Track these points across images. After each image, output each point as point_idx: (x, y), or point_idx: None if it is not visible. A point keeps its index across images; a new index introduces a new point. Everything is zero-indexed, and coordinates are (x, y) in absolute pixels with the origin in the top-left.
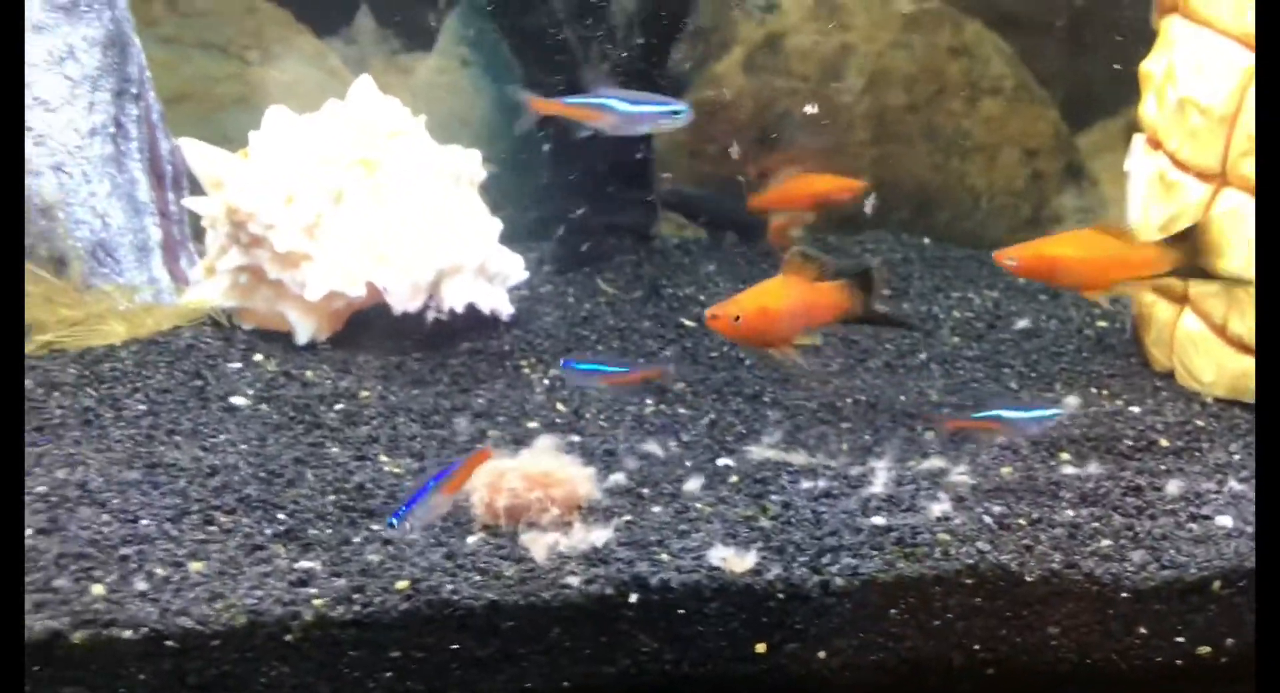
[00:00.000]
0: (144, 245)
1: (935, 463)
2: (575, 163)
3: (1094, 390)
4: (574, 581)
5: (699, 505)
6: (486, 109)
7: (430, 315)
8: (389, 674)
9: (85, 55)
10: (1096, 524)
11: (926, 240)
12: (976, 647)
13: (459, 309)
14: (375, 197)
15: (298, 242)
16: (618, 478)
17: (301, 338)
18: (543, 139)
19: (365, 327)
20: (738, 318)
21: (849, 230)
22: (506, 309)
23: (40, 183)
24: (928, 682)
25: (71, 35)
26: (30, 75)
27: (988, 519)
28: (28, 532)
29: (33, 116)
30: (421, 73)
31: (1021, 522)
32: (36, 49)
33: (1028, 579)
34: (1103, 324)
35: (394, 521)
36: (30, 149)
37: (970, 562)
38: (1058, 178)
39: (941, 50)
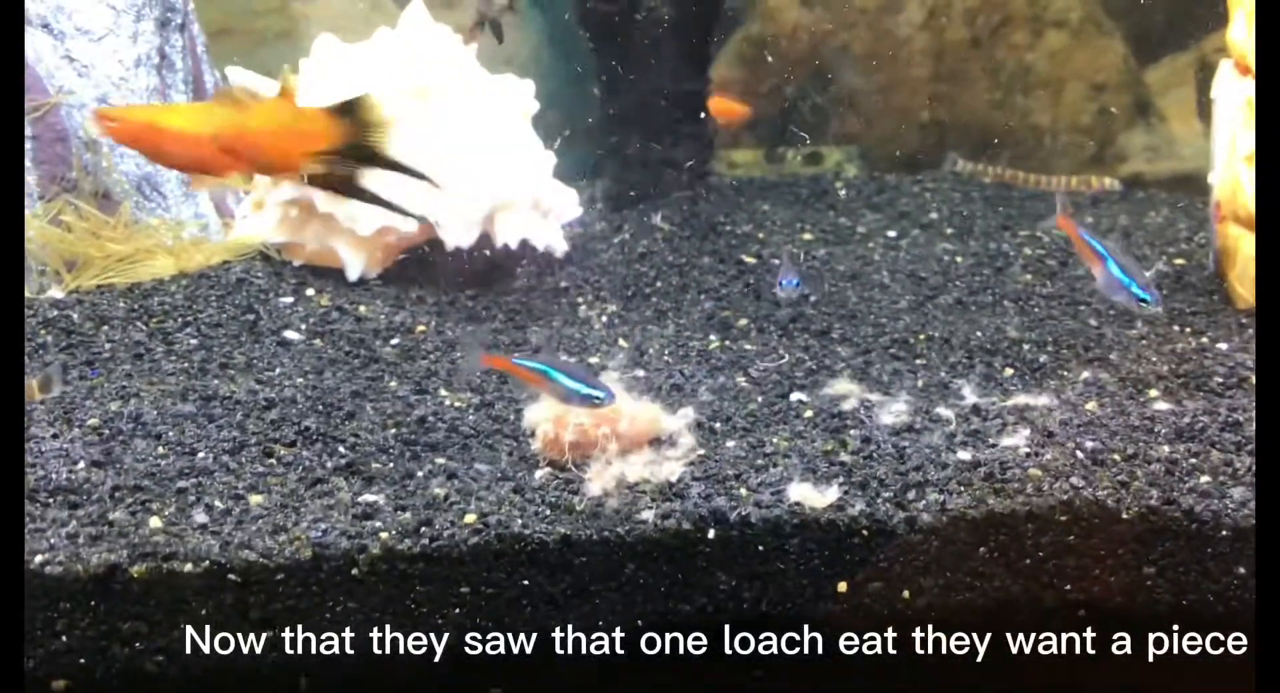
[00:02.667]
0: (190, 180)
1: (1020, 399)
2: (628, 97)
3: (1177, 328)
4: (648, 515)
5: (774, 441)
6: (534, 43)
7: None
8: (458, 611)
9: None
10: (1194, 461)
11: (987, 180)
12: (1068, 587)
13: (512, 245)
14: (428, 126)
15: None
16: (687, 413)
17: (353, 274)
18: (593, 73)
19: (416, 263)
20: (115, 121)
21: (908, 169)
22: (560, 246)
23: (84, 115)
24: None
25: None
26: (74, 5)
27: (1080, 455)
28: (80, 465)
29: (76, 47)
30: (467, 7)
31: (1116, 457)
32: None
33: (1124, 516)
34: (1180, 262)
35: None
36: (74, 80)
37: (1064, 498)
38: (1126, 114)
39: None
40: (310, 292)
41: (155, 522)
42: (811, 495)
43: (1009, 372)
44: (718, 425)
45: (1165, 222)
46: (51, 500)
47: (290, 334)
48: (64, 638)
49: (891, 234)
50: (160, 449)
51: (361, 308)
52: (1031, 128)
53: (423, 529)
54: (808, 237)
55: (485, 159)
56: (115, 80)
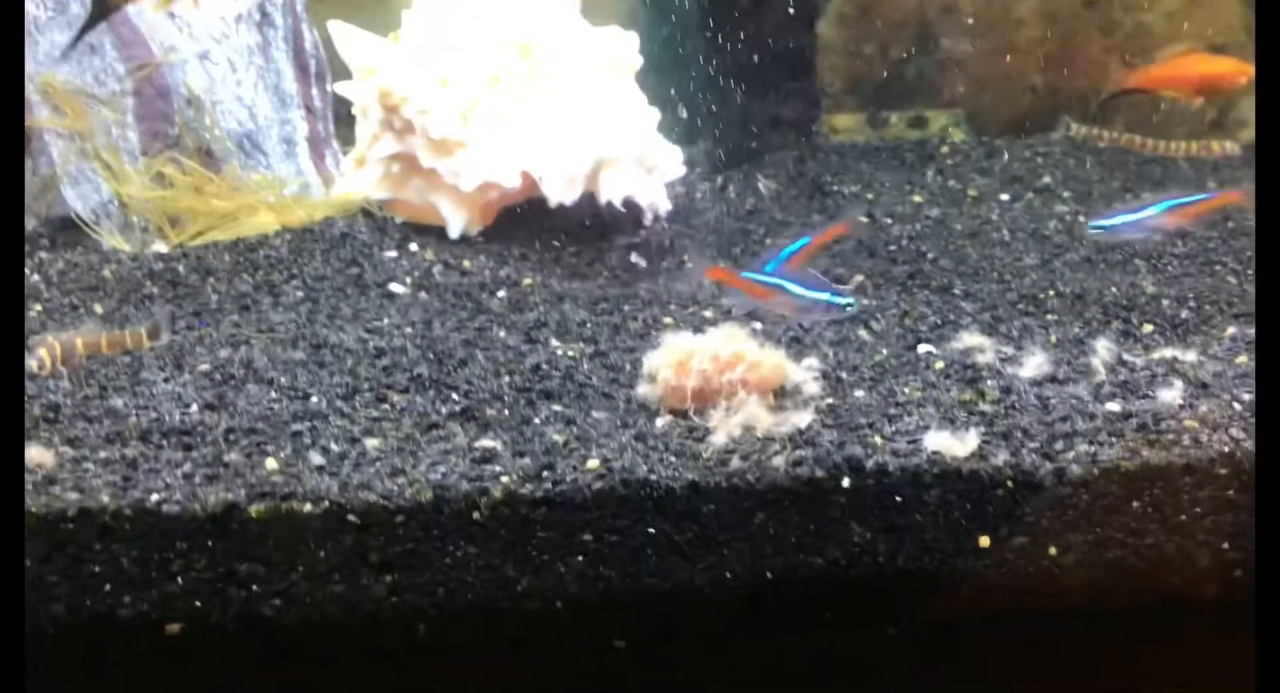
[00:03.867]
0: (290, 138)
1: (1167, 352)
2: (731, 53)
3: None
4: (779, 462)
5: (906, 390)
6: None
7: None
8: (580, 558)
9: None
10: None
11: (1101, 144)
12: (1225, 545)
13: (616, 202)
14: (531, 81)
15: (453, 128)
16: (810, 362)
17: (454, 231)
18: (695, 28)
19: (518, 219)
20: None
21: (1019, 133)
22: (664, 204)
23: (186, 71)
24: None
25: None
26: None
27: (1238, 407)
28: (193, 408)
29: (178, 3)
30: None
31: None
32: None
33: None
34: None
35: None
36: (175, 36)
37: (1225, 450)
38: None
39: None
40: (414, 246)
41: (271, 463)
42: (950, 444)
43: (1148, 328)
44: (844, 375)
45: None
46: (165, 442)
47: (395, 287)
48: (179, 580)
49: (1004, 197)
50: (272, 394)
51: (466, 263)
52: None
53: (544, 474)
54: (917, 199)
55: (589, 114)
56: (217, 36)
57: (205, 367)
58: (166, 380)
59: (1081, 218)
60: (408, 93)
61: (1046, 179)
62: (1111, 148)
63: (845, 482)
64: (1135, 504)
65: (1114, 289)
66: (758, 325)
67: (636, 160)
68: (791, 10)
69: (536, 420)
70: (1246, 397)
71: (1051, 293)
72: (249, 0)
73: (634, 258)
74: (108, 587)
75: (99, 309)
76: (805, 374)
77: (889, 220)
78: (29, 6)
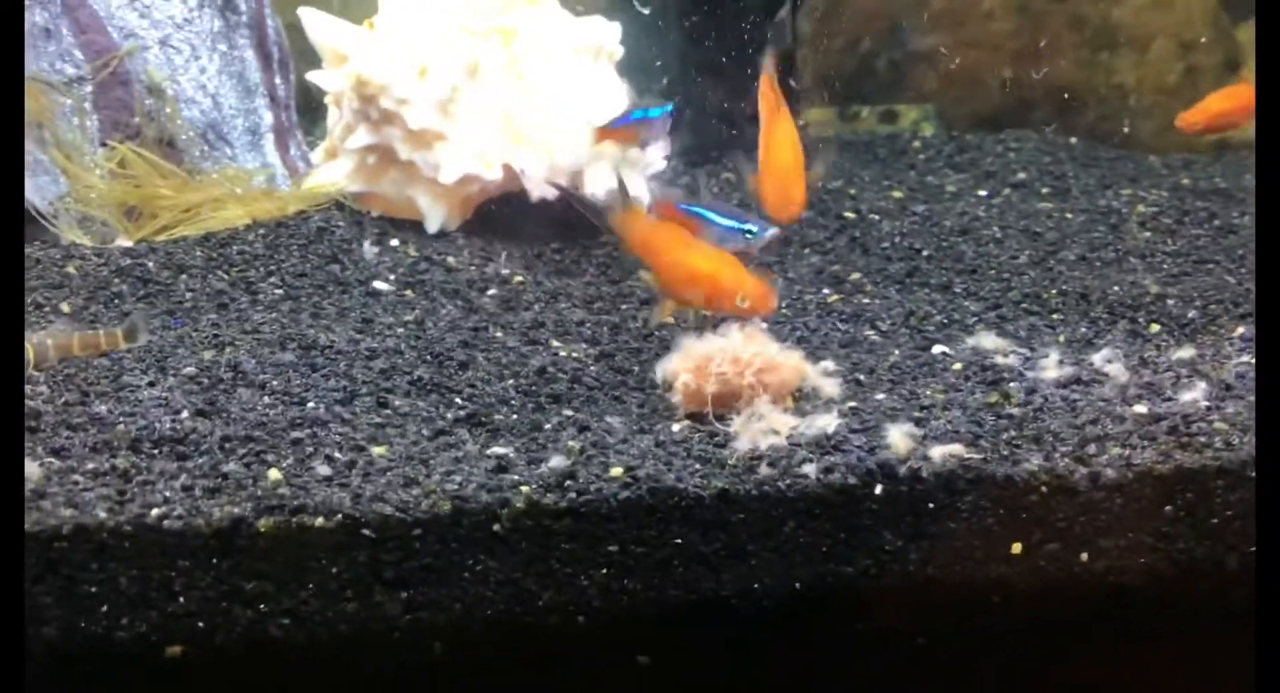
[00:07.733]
0: (256, 129)
1: (1184, 352)
2: (710, 46)
3: None
4: (809, 469)
5: (928, 393)
6: None
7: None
8: (605, 571)
9: None
10: None
11: (1073, 140)
12: (1252, 549)
13: (600, 196)
14: (512, 71)
15: (432, 118)
16: (826, 364)
17: (432, 225)
18: (674, 20)
19: (497, 214)
20: None
21: (989, 129)
22: (646, 198)
23: (146, 59)
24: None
25: None
26: None
27: None
28: (184, 414)
29: None
30: None
31: None
32: None
33: None
34: None
35: None
36: (136, 21)
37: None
38: (1215, 74)
39: None
40: (394, 242)
41: (274, 474)
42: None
43: (1155, 328)
44: (862, 377)
45: None
46: (157, 451)
47: (380, 284)
48: (181, 599)
49: (982, 193)
50: (266, 399)
51: (450, 259)
52: (1116, 87)
53: (567, 483)
54: (897, 194)
55: (572, 105)
56: (178, 22)
57: (190, 370)
58: (151, 385)
59: (1069, 216)
60: (386, 81)
61: (1021, 174)
62: (1083, 143)
63: (878, 489)
64: (1167, 509)
65: (1116, 288)
66: (762, 324)
67: (619, 153)
68: (772, 3)
69: (548, 426)
70: None
71: (1054, 292)
72: None
73: (620, 253)
74: (104, 607)
75: (66, 308)
76: (824, 377)
77: (875, 216)
78: None
